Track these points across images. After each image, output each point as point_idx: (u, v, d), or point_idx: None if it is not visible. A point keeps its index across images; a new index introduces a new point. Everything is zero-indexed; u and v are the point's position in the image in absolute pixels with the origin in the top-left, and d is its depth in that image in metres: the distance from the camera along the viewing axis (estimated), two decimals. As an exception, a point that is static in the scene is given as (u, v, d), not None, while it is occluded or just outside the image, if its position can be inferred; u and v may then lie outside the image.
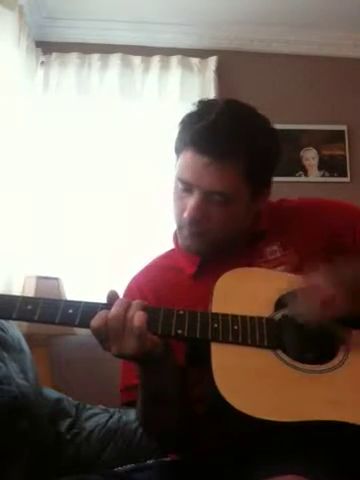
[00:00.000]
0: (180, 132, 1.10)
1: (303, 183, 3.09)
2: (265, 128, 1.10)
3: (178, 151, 1.10)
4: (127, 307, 0.92)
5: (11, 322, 1.76)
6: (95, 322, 0.91)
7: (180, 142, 1.09)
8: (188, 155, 1.05)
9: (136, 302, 0.94)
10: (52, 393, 1.90)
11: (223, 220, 1.07)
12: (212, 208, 1.06)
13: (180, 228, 1.11)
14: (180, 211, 1.08)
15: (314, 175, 3.13)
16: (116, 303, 0.93)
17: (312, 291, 0.95)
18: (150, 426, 1.10)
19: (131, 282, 1.21)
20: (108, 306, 0.93)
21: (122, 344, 0.91)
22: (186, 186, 1.07)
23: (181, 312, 0.95)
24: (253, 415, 0.85)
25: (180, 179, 1.07)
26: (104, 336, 0.92)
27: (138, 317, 0.91)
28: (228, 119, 1.04)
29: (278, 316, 0.98)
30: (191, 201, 1.05)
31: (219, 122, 1.03)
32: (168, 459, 1.18)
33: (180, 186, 1.08)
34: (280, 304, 0.99)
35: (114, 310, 0.92)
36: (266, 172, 1.11)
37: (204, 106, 1.09)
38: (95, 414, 1.87)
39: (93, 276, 2.75)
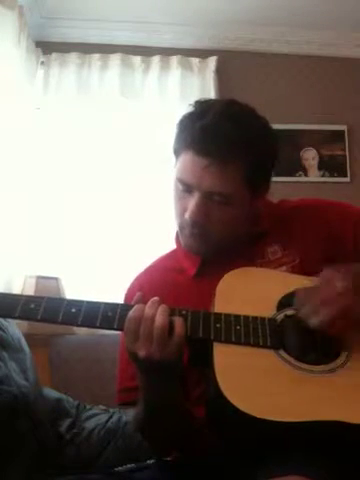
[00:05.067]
0: (178, 134, 1.09)
1: (303, 183, 3.09)
2: (264, 129, 1.10)
3: (177, 152, 1.09)
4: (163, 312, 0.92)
5: (11, 322, 1.76)
6: (133, 312, 0.91)
7: (179, 144, 1.09)
8: (188, 157, 1.05)
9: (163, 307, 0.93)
10: (52, 393, 1.90)
11: (224, 221, 1.07)
12: (213, 209, 1.06)
13: (181, 228, 1.11)
14: (181, 212, 1.08)
15: (314, 175, 3.14)
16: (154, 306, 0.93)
17: (330, 298, 0.94)
18: (150, 432, 1.09)
19: (133, 283, 1.20)
20: (128, 308, 0.93)
21: (163, 350, 0.90)
22: (186, 187, 1.07)
23: (183, 312, 0.95)
24: (255, 415, 0.85)
25: (180, 180, 1.07)
26: (135, 333, 0.91)
27: (179, 322, 0.91)
28: (227, 120, 1.03)
29: (280, 316, 0.98)
30: (192, 202, 1.05)
31: (218, 123, 1.03)
32: (168, 459, 1.18)
33: (180, 187, 1.08)
34: (282, 304, 0.99)
35: (148, 310, 0.91)
36: (265, 173, 1.11)
37: (202, 107, 1.08)
38: (95, 414, 1.87)
39: (93, 276, 2.75)
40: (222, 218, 1.06)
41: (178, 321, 0.92)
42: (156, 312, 0.91)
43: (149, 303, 0.93)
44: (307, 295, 0.96)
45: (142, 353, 0.90)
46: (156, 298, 0.94)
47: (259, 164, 1.07)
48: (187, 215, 1.06)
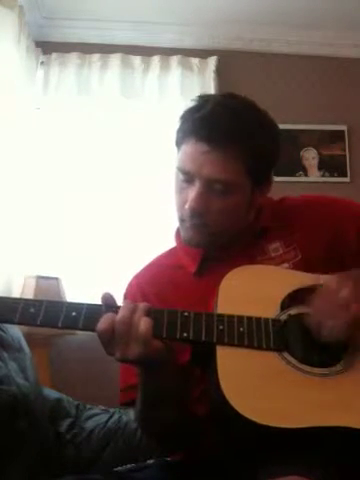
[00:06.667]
0: (180, 126, 1.10)
1: (303, 183, 3.09)
2: (263, 118, 1.11)
3: (178, 144, 1.10)
4: (134, 311, 0.91)
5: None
6: (102, 325, 0.90)
7: (180, 134, 1.09)
8: (188, 145, 1.05)
9: (142, 306, 0.93)
10: (52, 393, 1.89)
11: (224, 211, 1.06)
12: (213, 198, 1.05)
13: (182, 221, 1.10)
14: (181, 203, 1.08)
15: (314, 175, 3.13)
16: (123, 306, 0.92)
17: (338, 305, 0.93)
18: (149, 427, 1.10)
19: (132, 281, 1.20)
20: (113, 309, 0.92)
21: (126, 349, 0.90)
22: (187, 177, 1.06)
23: (186, 314, 0.94)
24: (257, 421, 0.84)
25: (181, 169, 1.07)
26: (109, 339, 0.90)
27: (144, 323, 0.90)
28: (226, 108, 1.05)
29: (284, 316, 0.97)
30: (192, 192, 1.05)
31: (217, 112, 1.04)
32: (168, 459, 1.18)
33: (181, 177, 1.07)
34: (286, 303, 0.98)
35: (121, 314, 0.91)
36: (266, 163, 1.10)
37: (202, 99, 1.09)
38: (95, 414, 1.87)
39: (93, 276, 2.75)
40: (222, 209, 1.06)
41: (143, 320, 0.91)
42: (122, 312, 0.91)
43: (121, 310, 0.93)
44: (313, 301, 0.95)
45: (117, 355, 0.91)
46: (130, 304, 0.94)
47: (260, 153, 1.06)
48: (187, 205, 1.05)
